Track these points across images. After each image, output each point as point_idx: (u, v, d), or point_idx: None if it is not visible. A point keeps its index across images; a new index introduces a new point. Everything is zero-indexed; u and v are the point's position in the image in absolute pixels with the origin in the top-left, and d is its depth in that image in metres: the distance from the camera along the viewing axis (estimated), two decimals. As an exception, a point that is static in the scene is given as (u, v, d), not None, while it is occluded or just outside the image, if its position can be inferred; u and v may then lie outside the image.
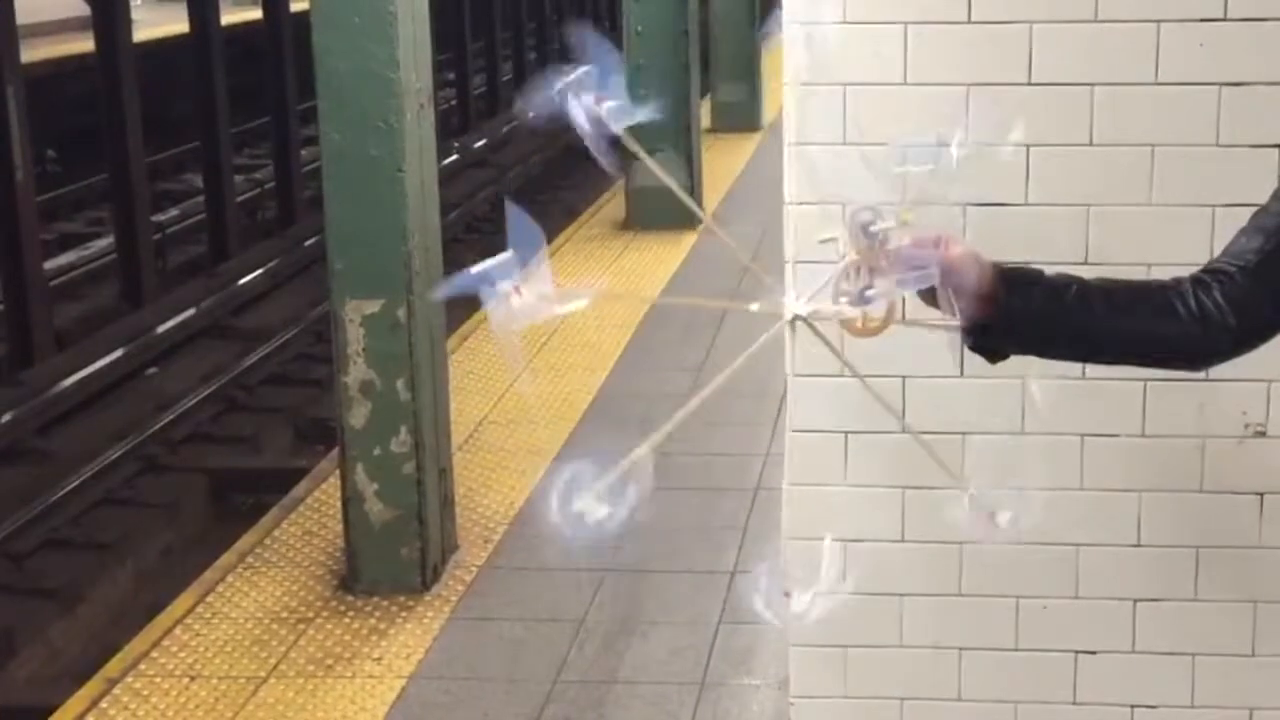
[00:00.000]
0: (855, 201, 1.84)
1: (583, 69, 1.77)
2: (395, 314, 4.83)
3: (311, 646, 4.65)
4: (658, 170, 1.89)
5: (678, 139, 9.80)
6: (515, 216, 1.76)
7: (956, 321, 1.89)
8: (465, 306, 8.38)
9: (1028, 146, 3.22)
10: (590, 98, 1.76)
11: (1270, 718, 3.40)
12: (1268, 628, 3.39)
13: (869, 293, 1.80)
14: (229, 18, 14.61)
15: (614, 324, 7.71)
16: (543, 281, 1.73)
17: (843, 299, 1.81)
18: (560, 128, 1.81)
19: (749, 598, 1.74)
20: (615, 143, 1.80)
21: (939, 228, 1.84)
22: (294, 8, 13.39)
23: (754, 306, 1.86)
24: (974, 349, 1.97)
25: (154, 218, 12.08)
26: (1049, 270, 1.99)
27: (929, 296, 1.88)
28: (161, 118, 13.89)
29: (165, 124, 14.21)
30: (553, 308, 1.75)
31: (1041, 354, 2.03)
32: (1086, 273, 2.04)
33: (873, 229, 1.80)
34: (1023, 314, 1.92)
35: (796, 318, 1.81)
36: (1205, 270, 2.00)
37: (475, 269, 1.74)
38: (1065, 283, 1.96)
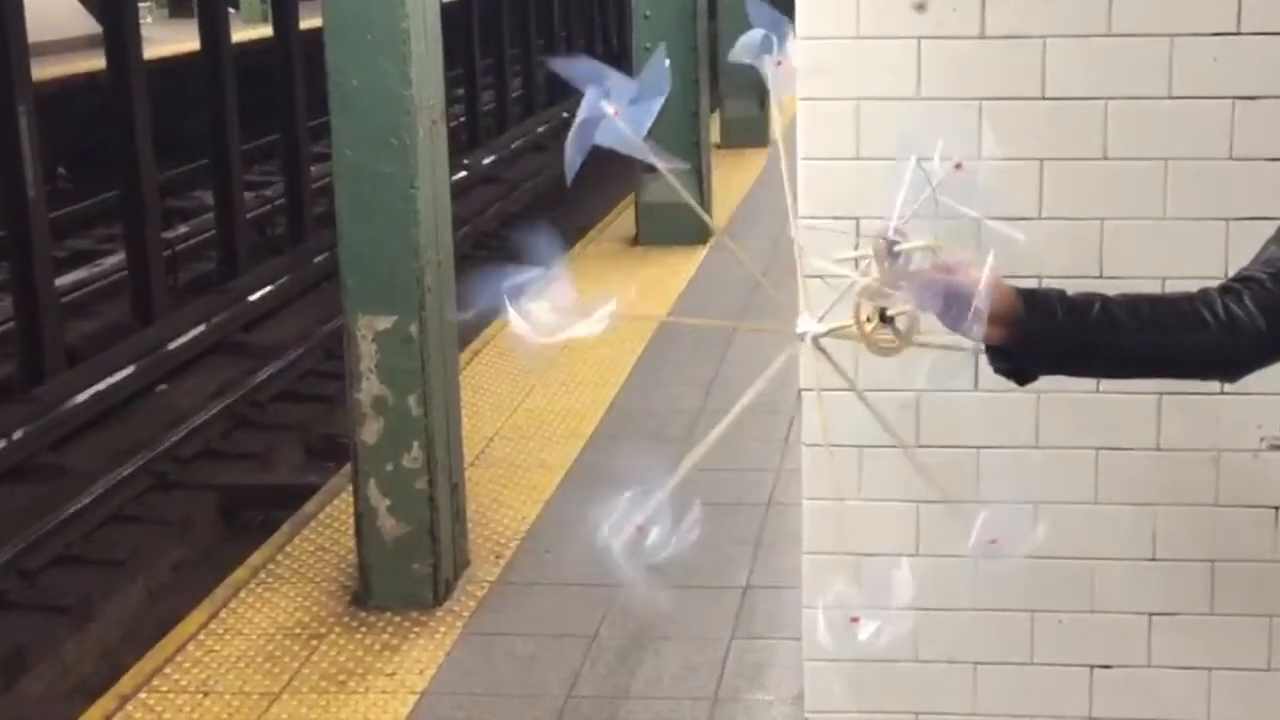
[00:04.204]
0: (869, 216, 1.85)
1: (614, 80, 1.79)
2: (408, 330, 4.83)
3: (324, 662, 4.65)
4: (676, 184, 1.90)
5: (687, 154, 9.80)
6: (534, 235, 1.78)
7: (970, 344, 1.89)
8: (476, 321, 8.38)
9: (1041, 160, 3.23)
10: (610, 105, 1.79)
11: (1286, 732, 3.40)
12: (1284, 642, 3.38)
13: (890, 312, 1.82)
14: (240, 35, 14.66)
15: (626, 339, 7.71)
16: (563, 297, 1.75)
17: (864, 316, 1.83)
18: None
19: (816, 631, 1.76)
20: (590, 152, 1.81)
21: (963, 252, 1.85)
22: (304, 25, 13.43)
23: (767, 327, 1.88)
24: (1000, 372, 1.97)
25: (165, 234, 12.12)
26: (1071, 289, 1.98)
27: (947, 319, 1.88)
28: (172, 135, 13.93)
29: (176, 141, 14.24)
30: (571, 328, 1.78)
31: (1069, 373, 2.03)
32: (1102, 287, 2.04)
33: (897, 249, 1.81)
34: (1045, 336, 1.92)
35: (807, 335, 1.82)
36: (1235, 279, 2.01)
37: (504, 280, 1.77)
38: (1088, 301, 1.95)
